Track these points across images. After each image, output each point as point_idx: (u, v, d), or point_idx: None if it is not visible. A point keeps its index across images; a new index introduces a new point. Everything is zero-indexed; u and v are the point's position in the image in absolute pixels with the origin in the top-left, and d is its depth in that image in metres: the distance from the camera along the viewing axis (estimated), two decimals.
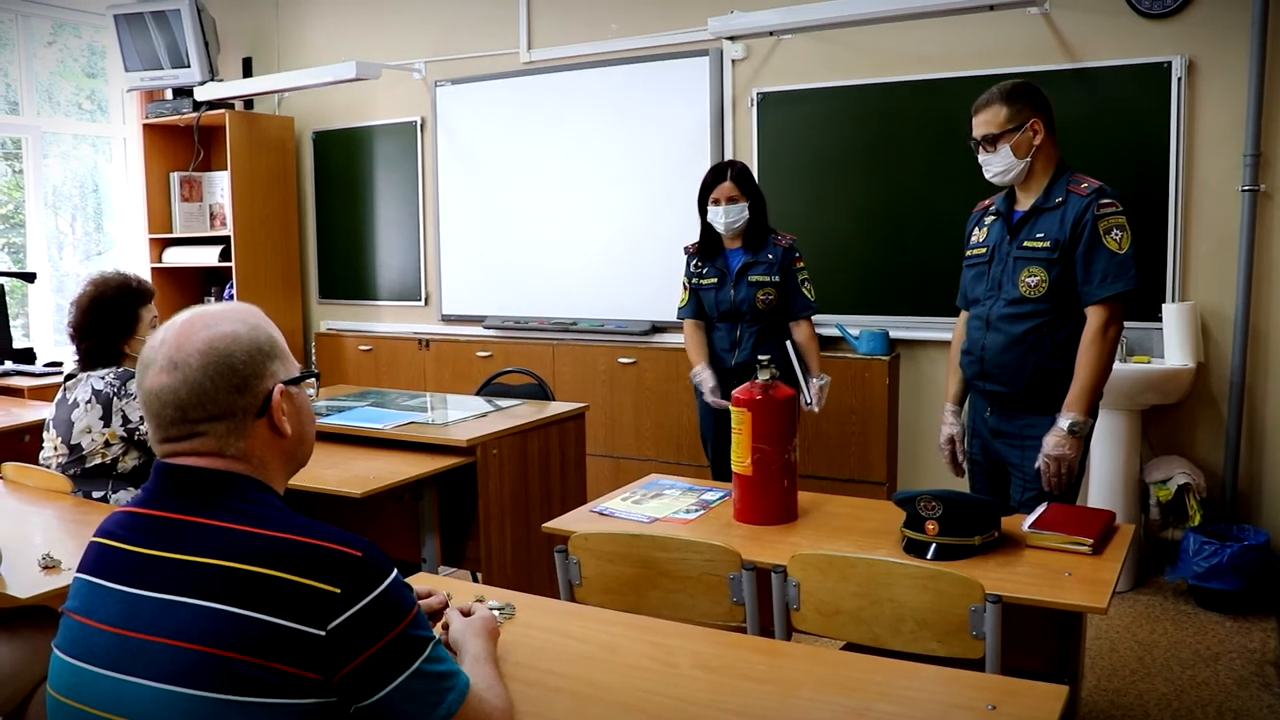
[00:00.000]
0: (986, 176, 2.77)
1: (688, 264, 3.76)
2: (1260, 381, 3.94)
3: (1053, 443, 2.62)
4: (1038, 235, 2.68)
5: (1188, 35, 3.90)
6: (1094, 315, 2.63)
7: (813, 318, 3.72)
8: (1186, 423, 4.07)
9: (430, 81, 5.69)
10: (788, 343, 3.43)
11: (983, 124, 2.72)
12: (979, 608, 1.84)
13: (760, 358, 2.47)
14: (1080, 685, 2.49)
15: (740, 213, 3.57)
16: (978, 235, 2.88)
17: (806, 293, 3.67)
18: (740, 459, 2.42)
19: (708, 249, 3.69)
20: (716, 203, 3.57)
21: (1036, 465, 2.67)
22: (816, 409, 3.63)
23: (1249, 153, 3.81)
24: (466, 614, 1.61)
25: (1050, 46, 4.12)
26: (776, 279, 3.61)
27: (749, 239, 3.64)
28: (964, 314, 2.95)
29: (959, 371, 2.96)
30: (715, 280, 3.66)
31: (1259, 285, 3.89)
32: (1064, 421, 2.61)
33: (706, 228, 3.67)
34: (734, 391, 2.46)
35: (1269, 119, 3.80)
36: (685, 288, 3.76)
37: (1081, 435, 2.62)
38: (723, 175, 3.59)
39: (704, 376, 3.64)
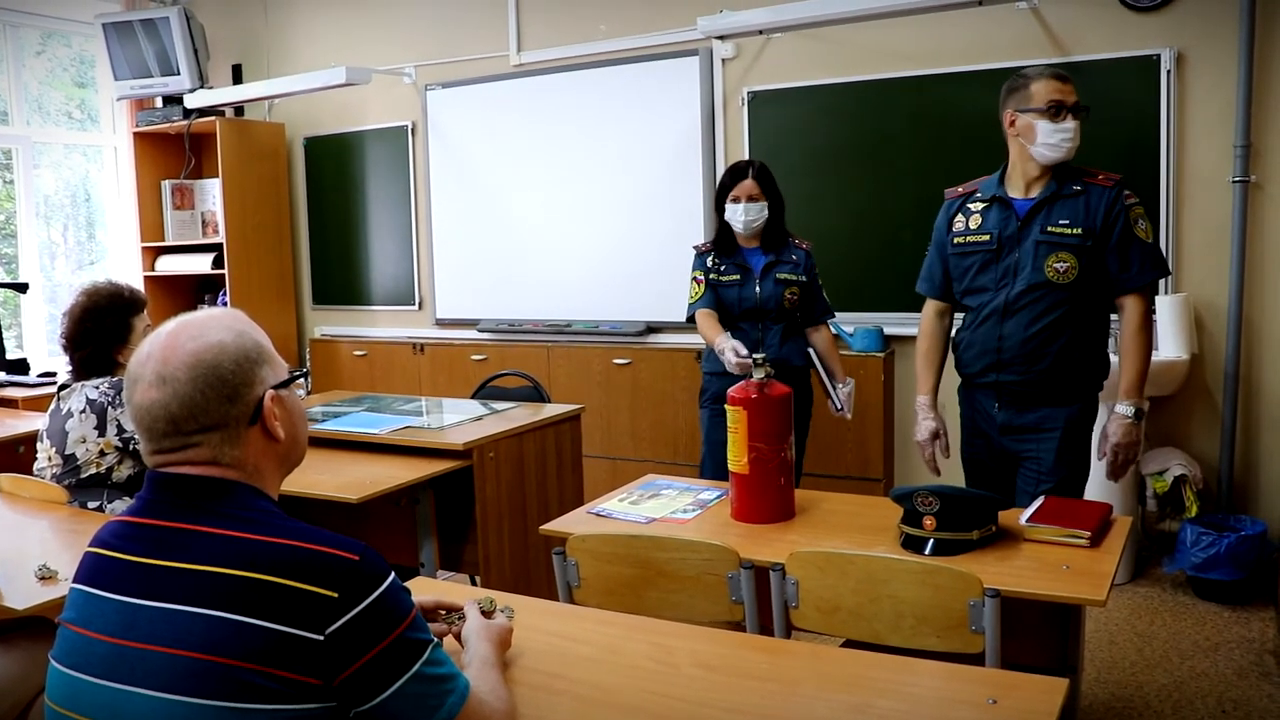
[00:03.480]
0: (1056, 144, 2.64)
1: (701, 260, 3.55)
2: (1254, 372, 3.95)
3: (1121, 430, 2.70)
4: (1062, 221, 2.67)
5: (1176, 27, 3.91)
6: (1136, 304, 2.69)
7: None
8: (1182, 414, 4.07)
9: (420, 86, 5.68)
10: (810, 349, 3.40)
11: (1074, 92, 2.69)
12: (978, 602, 1.84)
13: (755, 356, 2.46)
14: (1080, 678, 2.49)
15: (760, 212, 3.45)
16: (970, 223, 2.82)
17: (825, 297, 3.63)
18: (737, 458, 2.42)
19: (724, 246, 3.54)
20: (737, 200, 3.45)
21: (1102, 455, 2.75)
22: (849, 415, 3.51)
23: (1239, 144, 3.82)
24: (489, 615, 1.61)
25: (1039, 40, 4.13)
26: (803, 279, 3.50)
27: (767, 239, 3.51)
28: (932, 304, 2.94)
29: (933, 363, 2.94)
30: (737, 277, 3.50)
31: (1251, 276, 3.90)
32: (1127, 409, 2.68)
33: (724, 226, 3.53)
34: (729, 390, 2.45)
35: (1258, 110, 3.82)
36: (699, 282, 3.52)
37: (1142, 421, 2.70)
38: (744, 173, 3.47)
39: (734, 342, 3.20)
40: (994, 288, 2.76)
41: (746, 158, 3.54)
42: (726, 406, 2.45)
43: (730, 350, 3.17)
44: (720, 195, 3.52)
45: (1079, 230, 2.65)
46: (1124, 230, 2.64)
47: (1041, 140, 2.66)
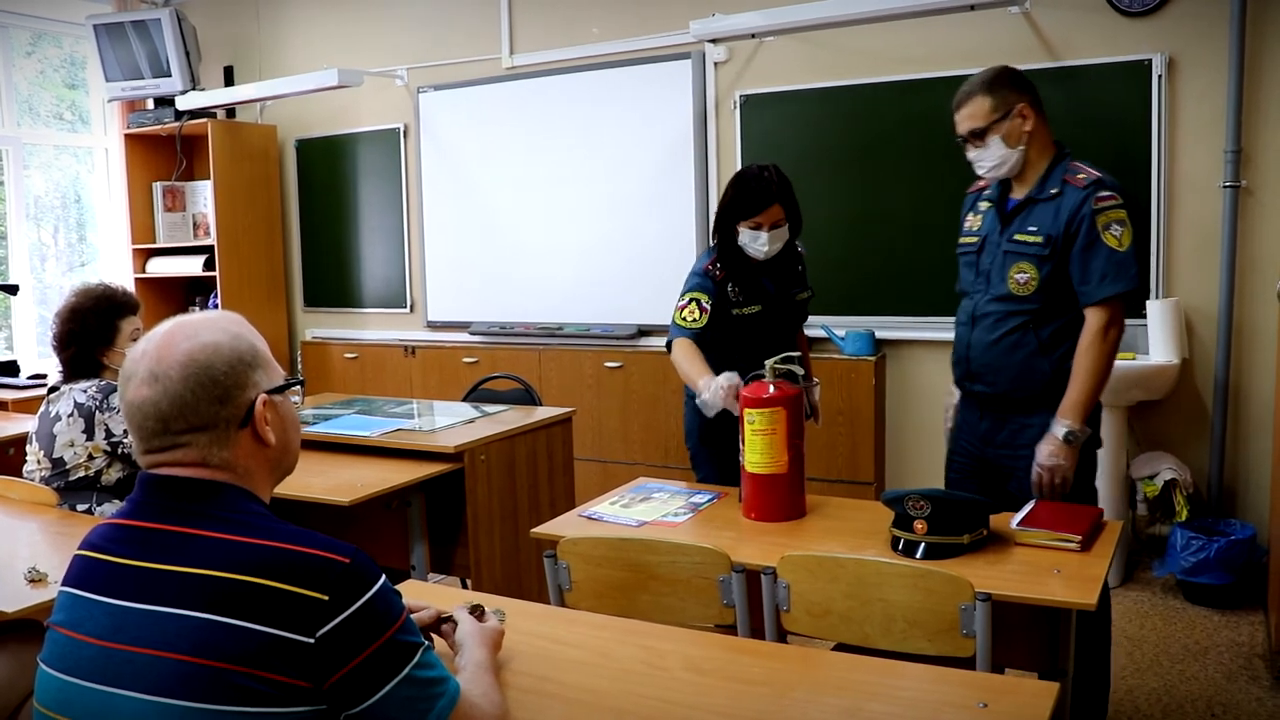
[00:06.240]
0: (980, 174, 2.63)
1: (718, 288, 2.92)
2: (1244, 376, 3.96)
3: (1046, 451, 2.49)
4: (1030, 229, 2.52)
5: (1168, 33, 3.93)
6: (1092, 317, 2.47)
7: None
8: (1172, 418, 4.08)
9: (413, 88, 5.68)
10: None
11: (967, 118, 2.57)
12: (969, 606, 1.85)
13: (769, 360, 2.47)
14: (1071, 682, 2.49)
15: (784, 236, 2.93)
16: (971, 221, 2.73)
17: None
18: (776, 458, 2.41)
19: (740, 273, 2.96)
20: (758, 227, 2.87)
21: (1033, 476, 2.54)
22: (819, 422, 3.30)
23: (1229, 149, 3.83)
24: (480, 618, 1.61)
25: (1031, 45, 4.14)
26: (810, 290, 3.17)
27: (777, 256, 2.98)
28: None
29: None
30: (759, 308, 2.98)
31: (1241, 280, 3.91)
32: (1059, 430, 2.46)
33: (734, 250, 2.94)
34: (756, 393, 2.43)
35: (1249, 115, 3.83)
36: (703, 309, 2.89)
37: (1077, 445, 2.47)
38: (767, 196, 2.87)
39: (734, 379, 2.60)
40: (973, 292, 2.69)
41: (756, 165, 2.97)
42: (756, 412, 2.41)
43: (730, 387, 2.56)
44: (731, 218, 2.92)
45: (1041, 239, 2.50)
46: (1087, 236, 2.44)
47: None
